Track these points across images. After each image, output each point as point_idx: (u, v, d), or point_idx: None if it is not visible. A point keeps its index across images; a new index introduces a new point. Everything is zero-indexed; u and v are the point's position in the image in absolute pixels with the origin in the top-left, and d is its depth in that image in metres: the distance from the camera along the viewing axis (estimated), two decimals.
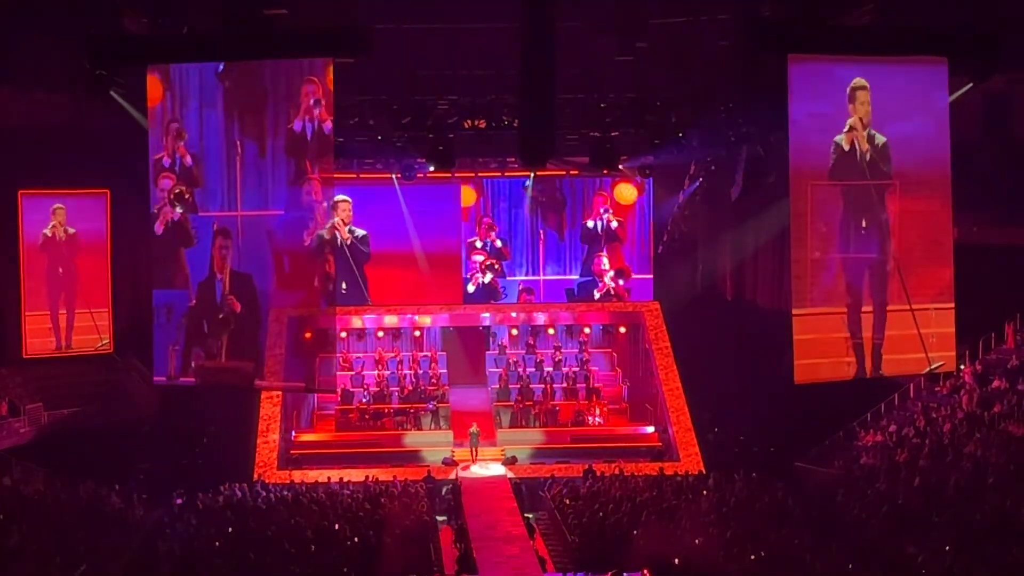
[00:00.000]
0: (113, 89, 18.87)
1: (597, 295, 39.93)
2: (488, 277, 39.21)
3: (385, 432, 37.65)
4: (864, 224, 19.99)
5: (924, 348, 19.21)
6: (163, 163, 17.66)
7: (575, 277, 40.65)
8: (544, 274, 39.42)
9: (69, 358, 38.16)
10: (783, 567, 25.31)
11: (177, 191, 17.50)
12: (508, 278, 40.04)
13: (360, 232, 38.89)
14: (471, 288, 39.60)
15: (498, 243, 39.68)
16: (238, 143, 17.34)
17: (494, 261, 39.43)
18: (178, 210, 17.62)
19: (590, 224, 40.32)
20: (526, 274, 40.01)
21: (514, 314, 41.59)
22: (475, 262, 39.94)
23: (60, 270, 37.79)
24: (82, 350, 38.48)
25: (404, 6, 25.07)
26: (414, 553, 26.55)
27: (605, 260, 40.62)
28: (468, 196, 39.45)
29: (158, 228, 17.66)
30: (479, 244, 39.84)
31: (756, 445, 36.29)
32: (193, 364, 17.54)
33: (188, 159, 17.55)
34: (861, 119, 19.51)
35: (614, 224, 40.17)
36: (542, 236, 39.88)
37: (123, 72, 19.32)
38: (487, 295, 39.58)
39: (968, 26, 17.89)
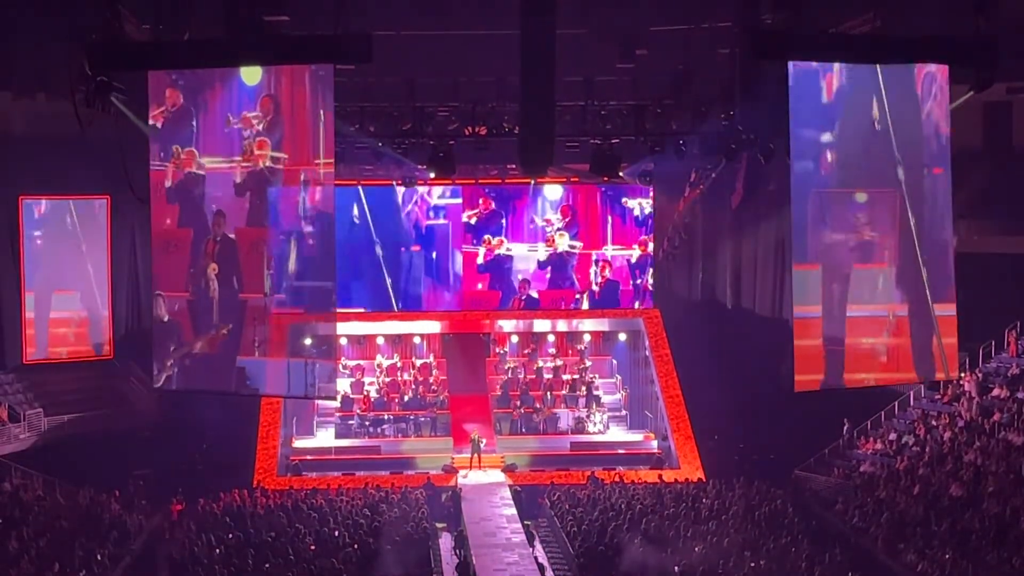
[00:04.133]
0: (114, 95, 18.88)
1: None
2: (567, 247, 41.64)
3: (385, 438, 37.66)
4: (864, 231, 19.92)
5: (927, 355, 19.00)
6: (259, 130, 19.81)
7: (632, 250, 42.03)
8: (612, 247, 41.62)
9: (69, 364, 38.15)
10: (783, 575, 25.32)
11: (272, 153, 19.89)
12: (584, 251, 41.79)
13: None
14: (558, 257, 41.70)
15: (574, 226, 41.60)
16: (321, 112, 19.50)
17: (572, 241, 41.55)
18: (268, 163, 19.83)
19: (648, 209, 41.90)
20: (598, 247, 41.83)
21: (514, 321, 41.67)
22: (556, 242, 41.64)
23: (61, 273, 37.83)
24: (82, 356, 38.47)
25: (405, 13, 25.11)
26: (413, 560, 26.54)
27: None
28: (555, 191, 41.16)
29: (237, 175, 20.08)
30: (562, 228, 41.61)
31: (756, 453, 36.28)
32: (284, 283, 20.14)
33: (277, 128, 19.69)
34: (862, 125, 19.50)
35: None
36: (611, 220, 41.44)
37: (124, 78, 19.35)
38: (568, 264, 41.70)
39: (968, 35, 17.88)
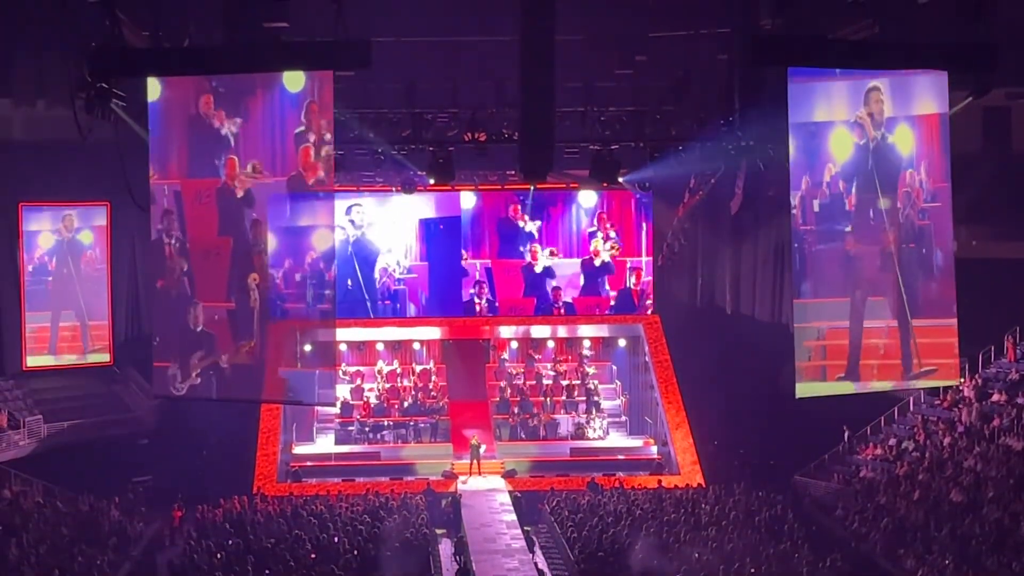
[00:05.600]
0: (114, 102, 18.87)
1: None
2: (607, 257, 41.90)
3: (385, 445, 37.65)
4: (855, 271, 19.94)
5: (918, 355, 19.29)
6: (307, 137, 19.57)
7: None
8: (647, 255, 42.18)
9: (69, 370, 38.16)
10: None
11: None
12: (619, 258, 42.12)
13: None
14: (597, 263, 41.95)
15: (612, 233, 41.88)
16: None
17: (612, 245, 41.84)
18: (322, 173, 19.85)
19: None
20: (635, 255, 42.28)
21: (514, 327, 41.70)
22: (594, 248, 42.01)
23: (62, 279, 37.93)
24: (82, 362, 38.48)
25: (405, 19, 25.13)
26: (413, 566, 26.52)
27: None
28: (590, 198, 41.53)
29: (280, 184, 20.09)
30: (599, 234, 41.90)
31: (755, 458, 36.27)
32: (326, 292, 20.30)
33: (328, 135, 19.58)
34: (869, 119, 19.67)
35: None
36: (645, 227, 42.08)
37: (124, 85, 19.35)
38: (604, 271, 42.09)
39: (967, 40, 17.89)
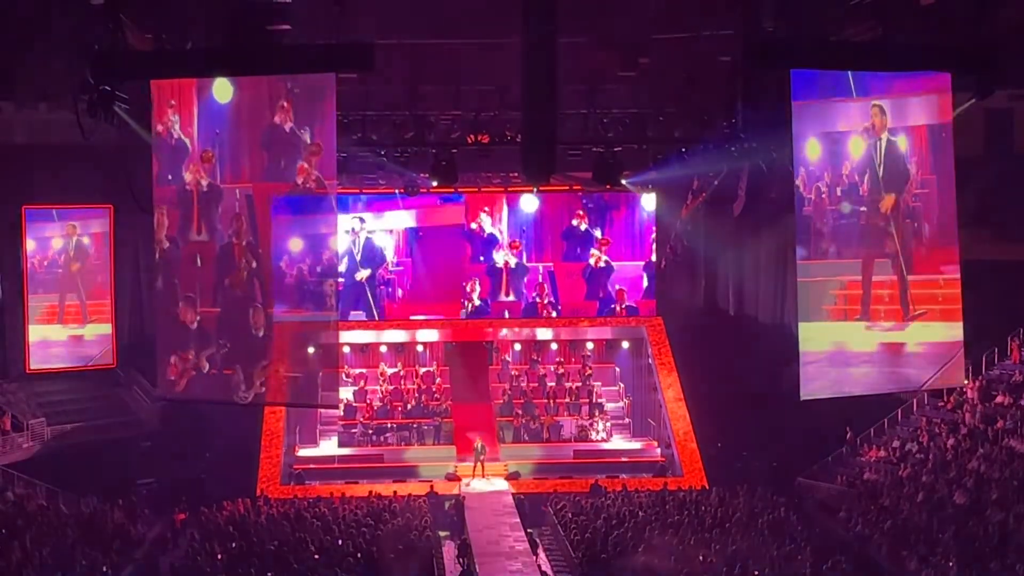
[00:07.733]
0: (116, 104, 18.86)
1: None
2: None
3: (388, 447, 37.65)
4: (867, 239, 20.20)
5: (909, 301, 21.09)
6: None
7: None
8: None
9: (72, 373, 38.21)
10: None
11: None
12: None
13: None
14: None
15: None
16: None
17: (672, 248, 42.08)
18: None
19: None
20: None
21: (517, 329, 41.69)
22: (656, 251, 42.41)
23: (68, 270, 38.27)
24: (85, 365, 38.54)
25: (407, 21, 25.09)
26: (417, 569, 26.52)
27: None
28: (652, 202, 41.62)
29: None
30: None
31: (759, 460, 36.24)
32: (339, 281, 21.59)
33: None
34: (873, 128, 20.05)
35: None
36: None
37: (127, 88, 19.35)
38: None
39: (970, 42, 17.91)
